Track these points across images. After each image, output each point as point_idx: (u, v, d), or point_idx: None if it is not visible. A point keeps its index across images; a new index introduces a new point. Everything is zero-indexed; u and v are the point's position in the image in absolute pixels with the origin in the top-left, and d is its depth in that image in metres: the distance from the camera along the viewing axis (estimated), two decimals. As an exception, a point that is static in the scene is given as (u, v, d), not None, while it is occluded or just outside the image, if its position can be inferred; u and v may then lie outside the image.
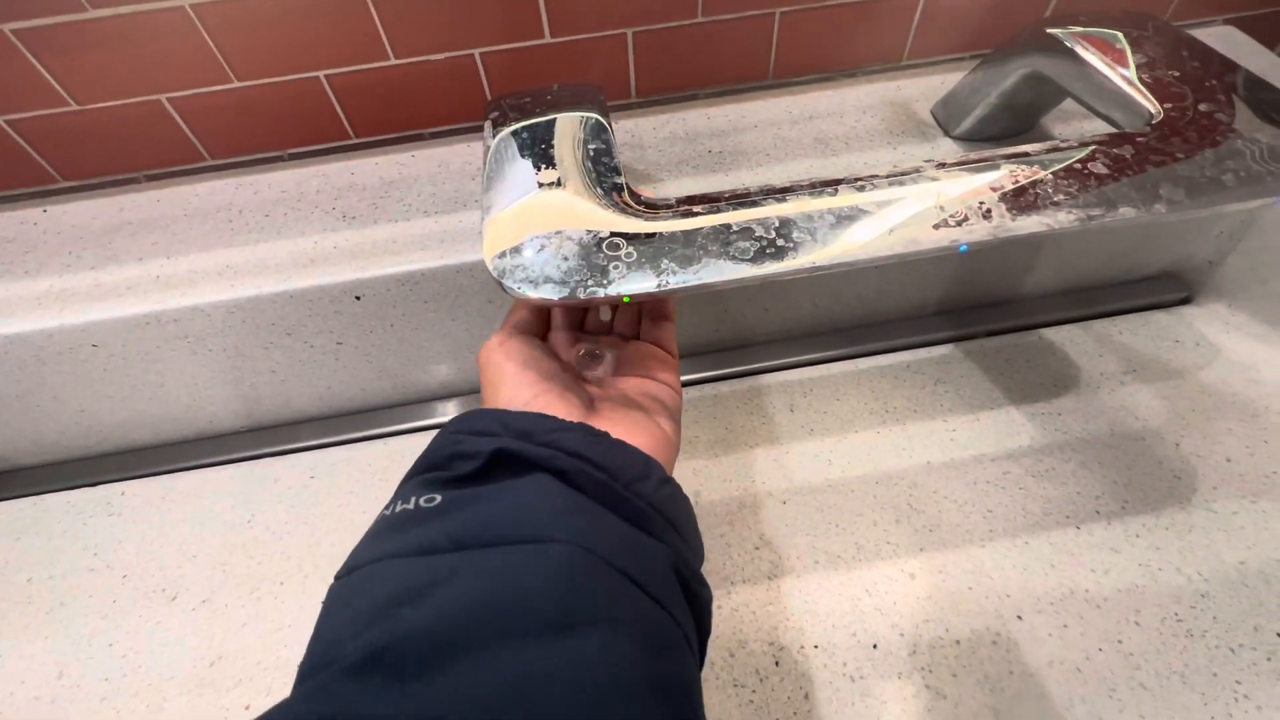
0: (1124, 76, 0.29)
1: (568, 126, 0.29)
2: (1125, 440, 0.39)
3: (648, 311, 0.30)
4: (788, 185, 0.26)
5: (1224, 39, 0.49)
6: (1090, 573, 0.32)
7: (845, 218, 0.24)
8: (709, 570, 0.36)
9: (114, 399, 0.43)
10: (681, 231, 0.24)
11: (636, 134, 0.46)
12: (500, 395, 0.25)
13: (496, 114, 0.31)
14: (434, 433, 0.45)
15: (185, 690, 0.32)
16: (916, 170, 0.26)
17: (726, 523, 0.37)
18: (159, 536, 0.41)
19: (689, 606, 0.21)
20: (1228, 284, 0.48)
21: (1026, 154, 0.26)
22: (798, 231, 0.24)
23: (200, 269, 0.40)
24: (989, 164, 0.26)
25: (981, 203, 0.24)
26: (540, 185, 0.26)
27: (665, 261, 0.23)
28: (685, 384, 0.46)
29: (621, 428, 0.24)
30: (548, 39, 0.43)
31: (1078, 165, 0.25)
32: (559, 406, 0.24)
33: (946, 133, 0.44)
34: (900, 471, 0.38)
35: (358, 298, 0.40)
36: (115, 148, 0.44)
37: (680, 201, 0.26)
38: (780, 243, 0.24)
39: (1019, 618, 0.31)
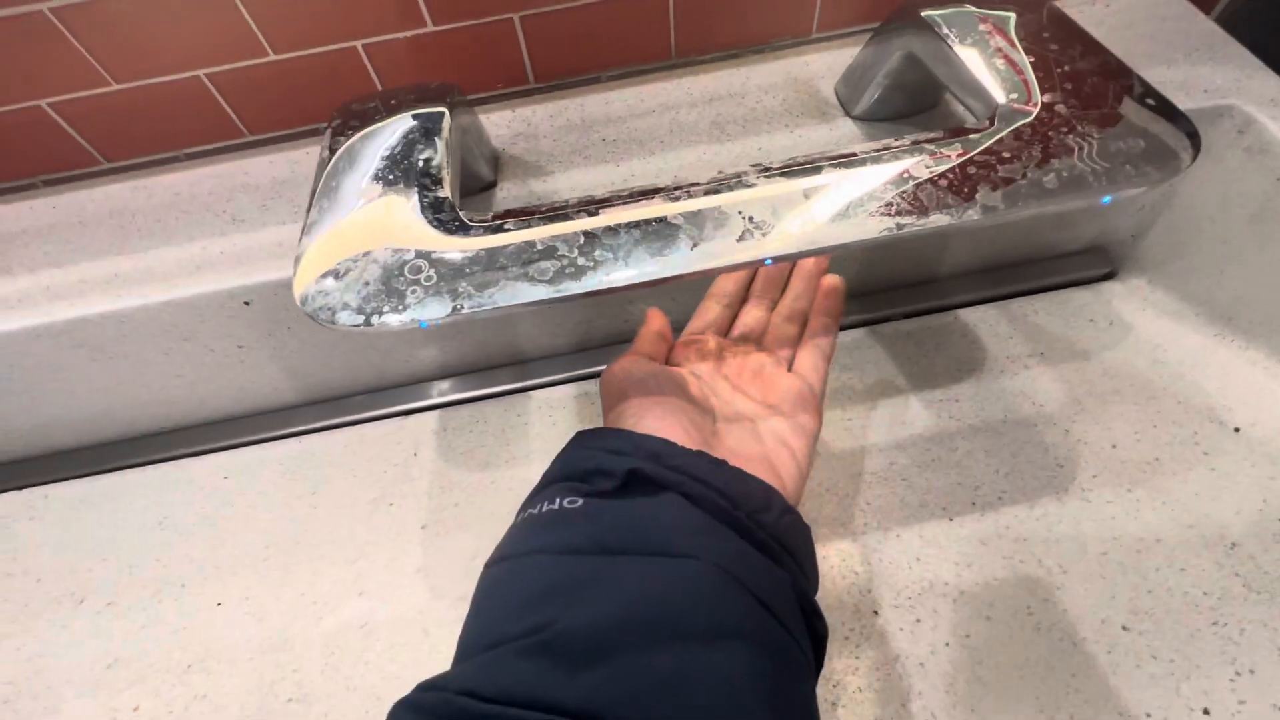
0: (980, 63, 0.28)
1: (401, 134, 0.28)
2: (1017, 427, 0.39)
3: (817, 323, 0.33)
4: (606, 196, 0.25)
5: (1158, 3, 0.46)
6: (954, 566, 0.33)
7: (651, 233, 0.24)
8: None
9: (28, 406, 0.44)
10: (485, 251, 0.24)
11: (532, 123, 0.44)
12: (625, 420, 0.26)
13: (338, 121, 0.30)
14: (347, 429, 0.46)
15: (81, 692, 0.34)
16: (738, 177, 0.25)
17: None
18: (75, 540, 0.42)
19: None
20: (1149, 259, 0.47)
21: (853, 155, 0.25)
22: (600, 249, 0.23)
23: (90, 278, 0.40)
24: (811, 168, 0.25)
25: (791, 212, 0.24)
26: (363, 201, 0.26)
27: (462, 285, 0.23)
28: (585, 377, 0.46)
29: (743, 455, 0.25)
30: (430, 27, 0.41)
31: (900, 168, 0.24)
32: (681, 435, 0.25)
33: (847, 112, 0.42)
34: (789, 463, 0.38)
35: (246, 303, 0.40)
36: (6, 154, 0.44)
37: (496, 216, 0.25)
38: (581, 261, 0.23)
39: (875, 613, 0.31)
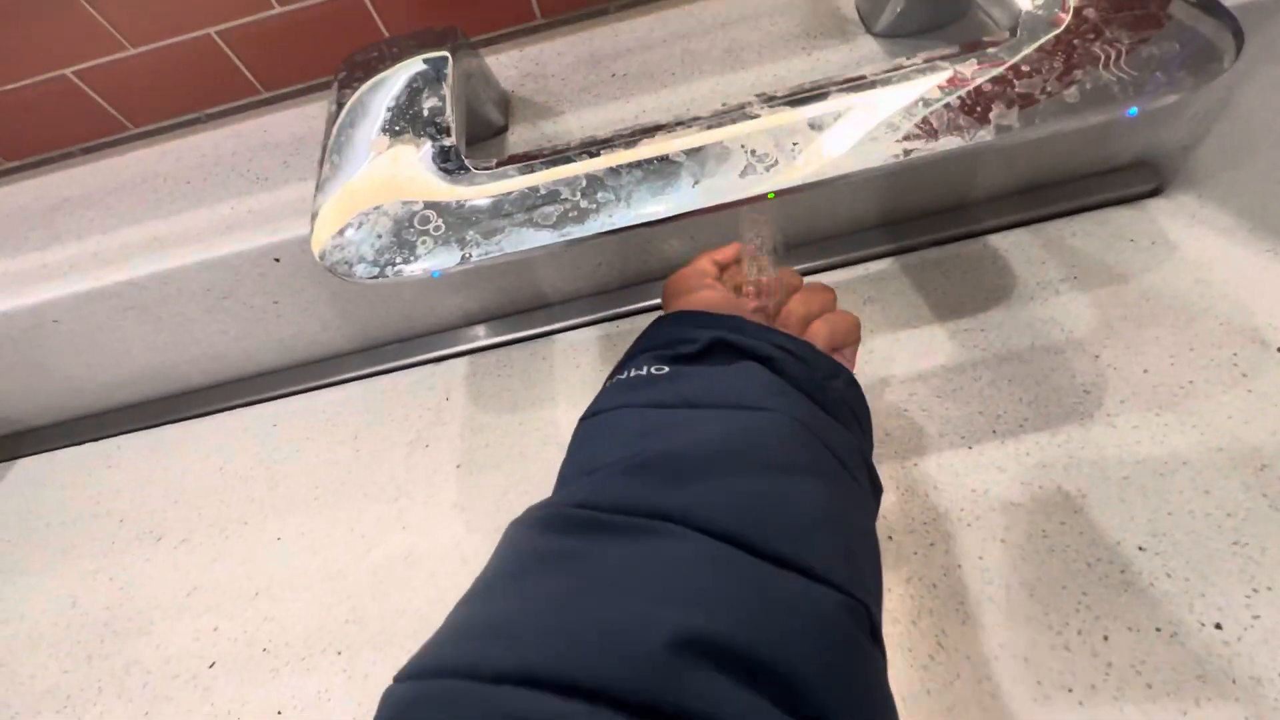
0: (1003, -35, 0.26)
1: (404, 83, 0.29)
2: (1044, 354, 0.38)
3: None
4: (608, 136, 0.25)
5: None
6: (970, 493, 0.33)
7: (653, 172, 0.24)
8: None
9: (92, 365, 0.47)
10: (490, 198, 0.24)
11: (541, 62, 0.44)
12: (697, 303, 0.28)
13: (344, 74, 0.31)
14: (382, 378, 0.48)
15: (167, 615, 0.38)
16: (741, 108, 0.24)
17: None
18: (148, 484, 0.46)
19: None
20: (1201, 172, 0.44)
21: (861, 79, 0.24)
22: (603, 191, 0.23)
23: (131, 242, 0.42)
24: (817, 94, 0.24)
25: (795, 143, 0.23)
26: (372, 154, 0.27)
27: (471, 233, 0.24)
28: (608, 319, 0.47)
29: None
30: (431, -35, 0.40)
31: (910, 90, 0.23)
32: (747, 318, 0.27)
33: (869, 29, 0.40)
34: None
35: (276, 260, 0.41)
36: (43, 124, 0.45)
37: (500, 162, 0.25)
38: (584, 205, 0.23)
39: (890, 538, 0.32)
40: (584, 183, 0.24)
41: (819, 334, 0.28)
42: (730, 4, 0.43)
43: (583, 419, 0.25)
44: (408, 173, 0.26)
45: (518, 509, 0.20)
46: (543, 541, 0.19)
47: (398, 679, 0.16)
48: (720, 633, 0.15)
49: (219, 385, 0.51)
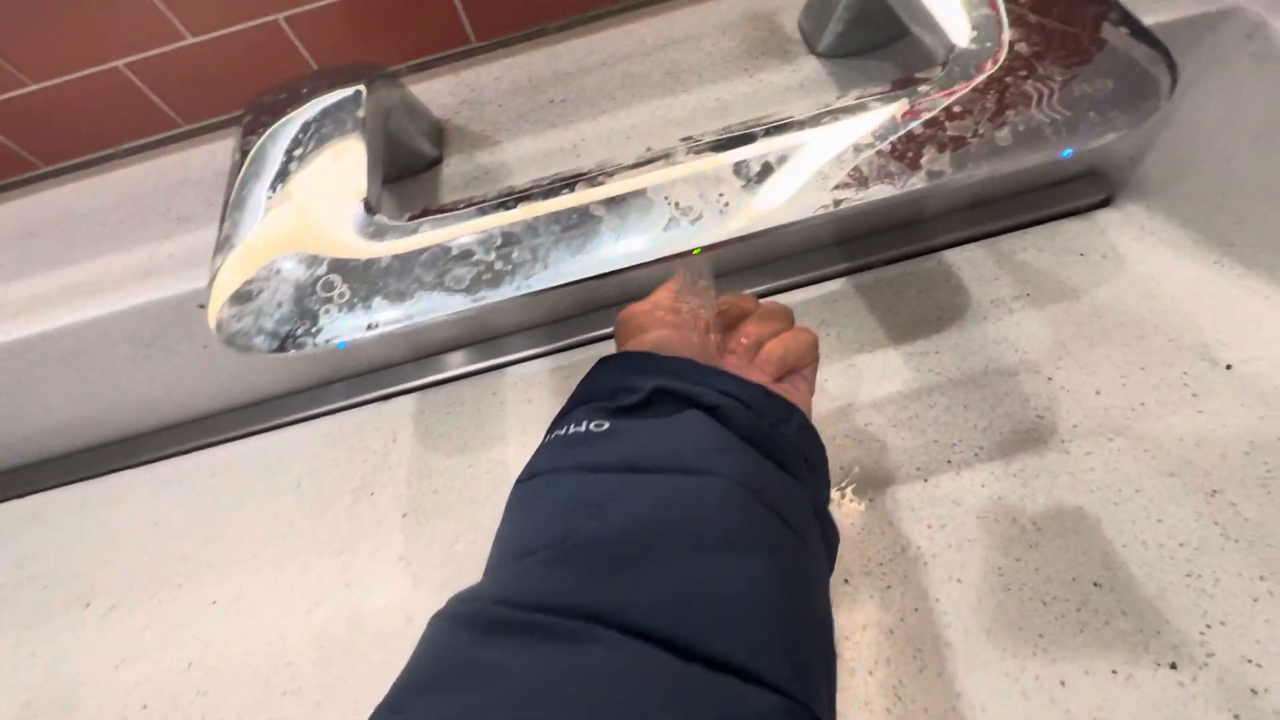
0: (936, -5, 0.25)
1: (311, 127, 0.27)
2: (998, 378, 0.38)
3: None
4: (528, 187, 0.23)
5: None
6: (926, 529, 0.32)
7: (572, 227, 0.22)
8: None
9: (13, 417, 0.44)
10: (398, 258, 0.22)
11: (476, 87, 0.42)
12: (645, 346, 0.26)
13: (249, 118, 0.29)
14: (326, 419, 0.46)
15: (94, 693, 0.36)
16: (665, 155, 0.23)
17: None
18: (77, 544, 0.43)
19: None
20: (1148, 182, 0.44)
21: (789, 120, 0.23)
22: (518, 250, 0.22)
23: (44, 291, 0.39)
24: (743, 137, 0.23)
25: (720, 194, 0.22)
26: (275, 207, 0.25)
27: (377, 300, 0.22)
28: (561, 349, 0.45)
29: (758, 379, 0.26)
30: (353, -9, 0.38)
31: (839, 134, 0.22)
32: (700, 358, 0.25)
33: (811, 49, 0.39)
34: (764, 430, 0.38)
35: (201, 306, 0.39)
36: (-59, 167, 0.42)
37: (413, 216, 0.24)
38: (498, 266, 0.22)
39: (845, 581, 0.32)
40: (499, 240, 0.22)
41: (773, 355, 0.27)
42: (671, 23, 0.42)
43: (519, 481, 0.24)
44: (313, 228, 0.24)
45: (467, 560, 0.19)
46: (461, 648, 0.17)
47: None
48: None
49: (152, 433, 0.48)
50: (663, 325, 0.27)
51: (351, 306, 0.22)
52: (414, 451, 0.43)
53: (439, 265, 0.22)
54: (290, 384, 0.48)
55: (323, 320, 0.22)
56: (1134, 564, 0.29)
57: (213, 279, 0.24)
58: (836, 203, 0.21)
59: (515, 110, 0.40)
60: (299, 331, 0.22)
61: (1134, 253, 0.42)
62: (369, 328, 0.22)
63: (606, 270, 0.22)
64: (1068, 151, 0.21)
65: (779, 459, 0.23)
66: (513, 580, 0.19)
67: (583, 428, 0.23)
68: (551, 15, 0.42)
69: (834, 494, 0.34)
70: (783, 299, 0.45)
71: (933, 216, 0.47)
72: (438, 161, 0.39)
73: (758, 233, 0.21)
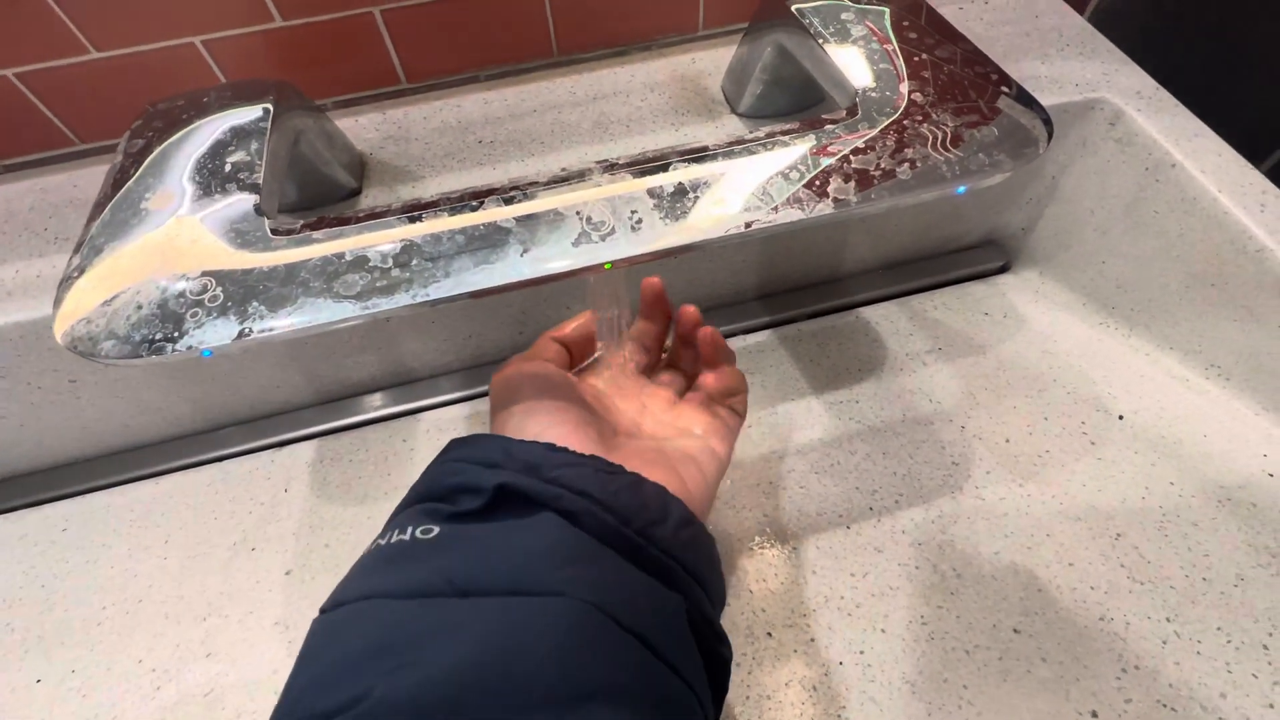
0: (842, 54, 0.27)
1: (208, 137, 0.25)
2: (914, 426, 0.38)
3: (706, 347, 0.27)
4: (434, 199, 0.22)
5: (1035, 2, 0.47)
6: (850, 577, 0.31)
7: (479, 239, 0.21)
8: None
9: None
10: (285, 265, 0.21)
11: (404, 125, 0.41)
12: (509, 423, 0.23)
13: (139, 124, 0.27)
14: (211, 467, 0.42)
15: None
16: (581, 175, 0.23)
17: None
18: (-127, 615, 0.36)
19: (706, 664, 0.20)
20: (1039, 251, 0.48)
21: (704, 150, 0.23)
22: (419, 259, 0.21)
23: (-125, 311, 0.34)
24: (659, 164, 0.23)
25: (633, 211, 0.22)
26: (156, 214, 0.22)
27: (254, 305, 0.20)
28: (480, 395, 0.43)
29: (642, 461, 0.22)
30: (279, 22, 0.38)
31: (751, 163, 0.23)
32: (574, 437, 0.22)
33: (733, 109, 0.41)
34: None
35: (69, 333, 0.35)
36: None
37: (307, 225, 0.22)
38: (395, 274, 0.20)
39: (769, 634, 0.30)
40: (399, 249, 0.21)
41: (705, 383, 0.26)
42: (602, 79, 0.43)
43: (322, 609, 0.19)
44: (192, 236, 0.22)
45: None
46: None
47: None
48: None
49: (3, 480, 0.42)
50: (535, 389, 0.23)
51: (224, 311, 0.20)
52: (307, 503, 0.39)
53: (329, 271, 0.20)
54: (175, 427, 0.43)
55: (189, 324, 0.20)
56: (1050, 609, 0.29)
57: (65, 277, 0.21)
58: (747, 224, 0.21)
59: (442, 149, 0.40)
60: (158, 337, 0.19)
61: (1032, 313, 0.44)
62: (241, 335, 0.19)
63: (512, 281, 0.20)
64: (962, 188, 0.22)
65: (650, 566, 0.20)
66: None
67: (406, 535, 0.19)
68: (483, 63, 0.43)
69: (756, 543, 0.33)
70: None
71: (851, 275, 0.49)
72: (357, 193, 0.38)
73: (671, 249, 0.21)
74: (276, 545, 0.37)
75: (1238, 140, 0.39)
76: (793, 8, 0.30)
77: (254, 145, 0.25)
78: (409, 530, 0.19)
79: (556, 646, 0.17)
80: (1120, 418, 0.37)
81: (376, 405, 0.43)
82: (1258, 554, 0.30)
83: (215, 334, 0.19)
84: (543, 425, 0.22)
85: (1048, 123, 0.24)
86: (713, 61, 0.44)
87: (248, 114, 0.26)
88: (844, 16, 0.28)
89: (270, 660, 0.32)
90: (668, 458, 0.24)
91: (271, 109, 0.27)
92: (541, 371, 0.25)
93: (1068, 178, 0.44)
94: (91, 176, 0.40)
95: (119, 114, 0.40)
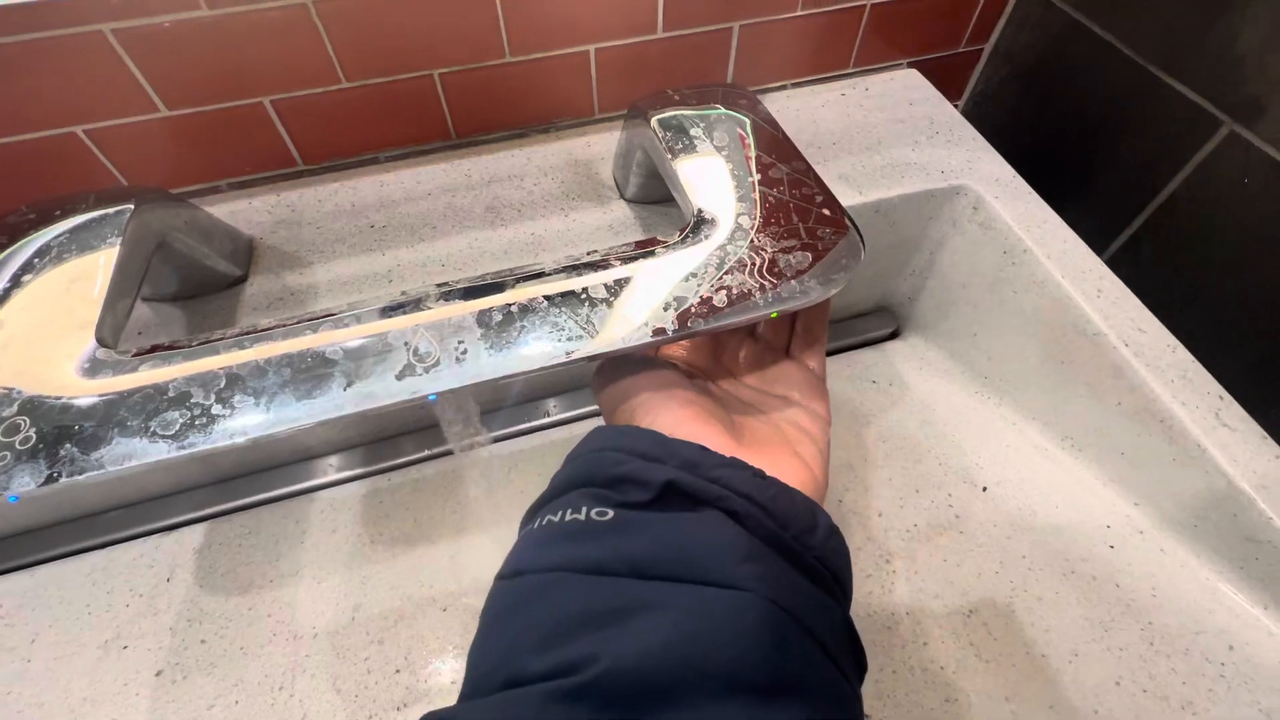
0: (682, 170, 0.29)
1: (52, 248, 0.25)
2: (796, 500, 0.39)
3: (802, 325, 0.28)
4: (270, 325, 0.23)
5: (905, 84, 0.50)
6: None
7: (304, 370, 0.22)
8: (349, 693, 0.34)
9: None
10: (104, 401, 0.21)
11: (297, 208, 0.42)
12: (639, 414, 0.23)
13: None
14: (94, 554, 0.40)
15: None
16: (416, 301, 0.23)
17: (375, 641, 0.35)
18: None
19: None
20: (924, 319, 0.50)
21: (540, 272, 0.24)
22: (242, 393, 0.21)
23: None
24: (492, 286, 0.24)
25: (460, 341, 0.22)
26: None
27: (68, 446, 0.20)
28: (381, 471, 0.43)
29: (764, 445, 0.23)
30: (164, 112, 0.38)
31: (580, 286, 0.24)
32: (709, 433, 0.22)
33: (621, 195, 0.43)
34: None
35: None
36: None
37: (140, 352, 0.22)
38: (215, 410, 0.21)
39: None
40: (223, 382, 0.21)
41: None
42: (499, 162, 0.44)
43: (500, 576, 0.20)
44: (16, 362, 0.22)
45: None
46: None
47: None
48: None
49: None
50: (650, 384, 0.24)
51: (34, 454, 0.20)
52: (189, 592, 0.38)
53: (149, 408, 0.21)
54: (54, 514, 0.42)
55: (-8, 469, 0.20)
56: (902, 691, 0.30)
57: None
58: (568, 353, 0.22)
59: (333, 233, 0.40)
60: (-44, 482, 0.19)
61: (915, 381, 0.47)
62: (49, 479, 0.20)
63: (331, 416, 0.21)
64: (773, 313, 0.24)
65: (809, 574, 0.20)
66: (513, 708, 0.16)
67: (581, 515, 0.20)
68: (380, 146, 0.44)
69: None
70: (551, 435, 0.45)
71: (750, 343, 0.50)
72: (242, 280, 0.38)
73: (494, 379, 0.22)
74: (151, 641, 0.36)
75: (1095, 223, 0.42)
76: (651, 120, 0.31)
77: (100, 254, 0.25)
78: (583, 510, 0.20)
79: (753, 640, 0.17)
80: (984, 489, 0.39)
81: (269, 485, 0.42)
82: (1092, 628, 0.32)
83: (22, 478, 0.20)
84: (676, 416, 0.23)
85: (860, 243, 0.26)
86: (606, 145, 0.45)
87: (103, 220, 0.26)
88: (692, 132, 0.30)
89: (127, 773, 0.31)
90: (784, 435, 0.24)
91: (131, 210, 0.27)
92: (647, 362, 0.25)
93: (943, 253, 0.47)
94: None
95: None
